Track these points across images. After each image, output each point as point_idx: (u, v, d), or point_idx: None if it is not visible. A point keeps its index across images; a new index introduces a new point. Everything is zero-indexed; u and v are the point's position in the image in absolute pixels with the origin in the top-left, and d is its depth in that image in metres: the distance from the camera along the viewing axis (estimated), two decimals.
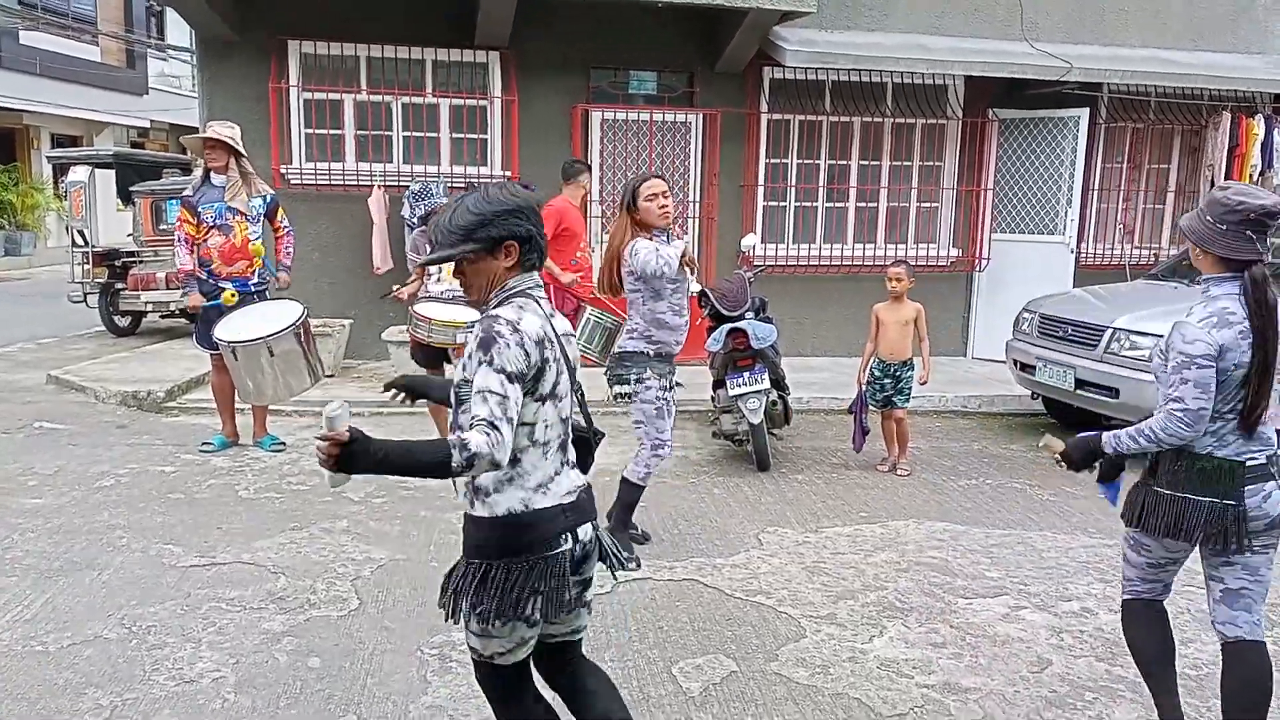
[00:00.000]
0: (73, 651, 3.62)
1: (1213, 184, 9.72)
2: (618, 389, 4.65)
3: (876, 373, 6.30)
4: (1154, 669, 3.15)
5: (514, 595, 2.29)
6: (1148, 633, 3.16)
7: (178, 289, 8.60)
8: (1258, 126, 9.63)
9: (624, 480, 4.74)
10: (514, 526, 2.31)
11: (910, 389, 6.28)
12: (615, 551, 2.53)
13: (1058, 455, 3.12)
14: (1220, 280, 2.88)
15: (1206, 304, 2.87)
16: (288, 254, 6.47)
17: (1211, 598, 3.01)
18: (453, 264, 2.41)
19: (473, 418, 2.16)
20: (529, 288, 2.40)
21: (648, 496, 5.54)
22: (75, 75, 22.52)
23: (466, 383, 2.25)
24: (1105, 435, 2.96)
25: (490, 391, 2.17)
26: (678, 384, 4.81)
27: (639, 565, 4.53)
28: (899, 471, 6.28)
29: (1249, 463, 2.86)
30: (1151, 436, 2.86)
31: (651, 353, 4.63)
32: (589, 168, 6.98)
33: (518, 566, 2.30)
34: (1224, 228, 2.83)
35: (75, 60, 22.77)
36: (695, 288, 5.18)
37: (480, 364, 2.20)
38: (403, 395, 2.81)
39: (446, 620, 2.39)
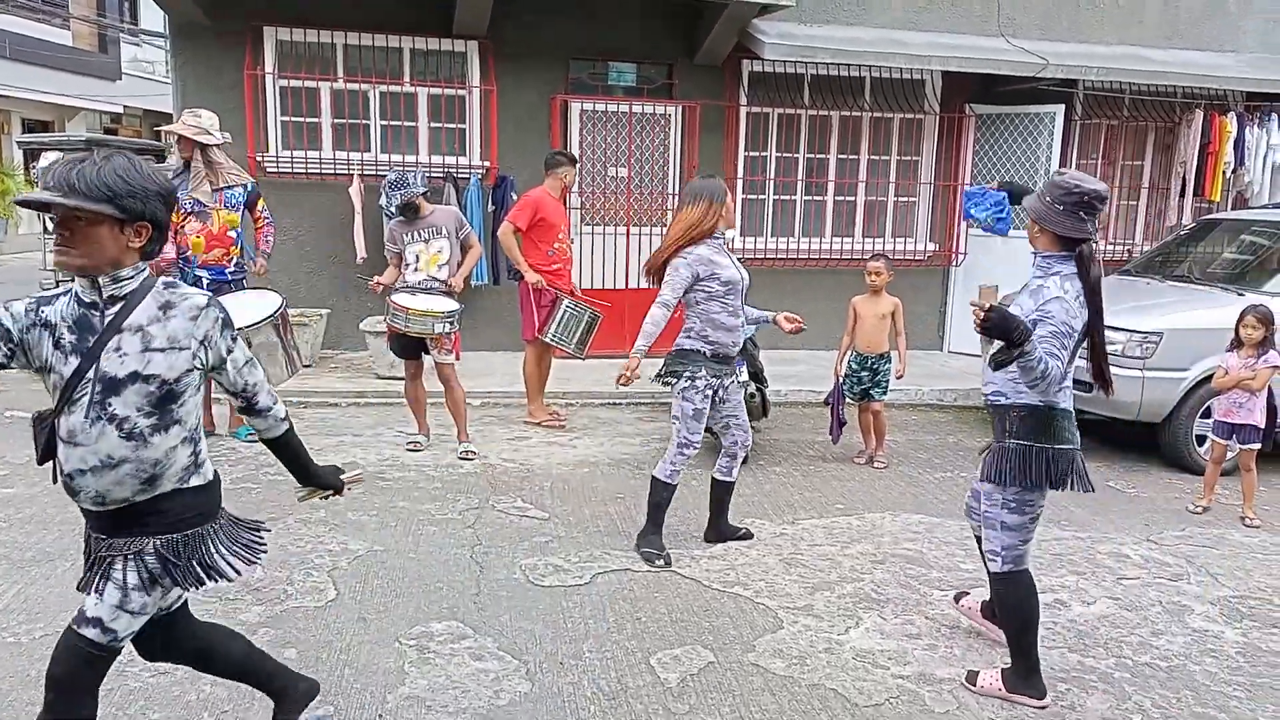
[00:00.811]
0: (45, 643, 3.57)
1: (1184, 181, 9.85)
2: (669, 380, 4.57)
3: (854, 365, 6.33)
4: (1035, 631, 3.42)
5: (227, 551, 2.55)
6: (1035, 598, 3.42)
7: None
8: (1230, 124, 9.71)
9: (654, 480, 4.69)
10: (216, 484, 2.60)
11: (887, 382, 6.32)
12: None
13: (985, 307, 2.95)
14: (1061, 259, 3.23)
15: (1068, 281, 3.17)
16: (267, 243, 6.42)
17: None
18: (88, 224, 2.25)
19: (256, 385, 2.59)
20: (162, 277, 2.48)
21: (625, 488, 5.57)
22: (46, 59, 22.19)
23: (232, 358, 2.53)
24: (1033, 342, 2.96)
25: (254, 360, 2.56)
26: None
27: (669, 563, 4.53)
28: (875, 464, 6.32)
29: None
30: (1044, 374, 3.02)
31: (709, 353, 4.53)
32: (572, 160, 6.92)
33: (220, 524, 2.56)
34: (1061, 209, 3.18)
35: (46, 44, 22.43)
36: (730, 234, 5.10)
37: (234, 339, 2.48)
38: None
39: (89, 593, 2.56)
